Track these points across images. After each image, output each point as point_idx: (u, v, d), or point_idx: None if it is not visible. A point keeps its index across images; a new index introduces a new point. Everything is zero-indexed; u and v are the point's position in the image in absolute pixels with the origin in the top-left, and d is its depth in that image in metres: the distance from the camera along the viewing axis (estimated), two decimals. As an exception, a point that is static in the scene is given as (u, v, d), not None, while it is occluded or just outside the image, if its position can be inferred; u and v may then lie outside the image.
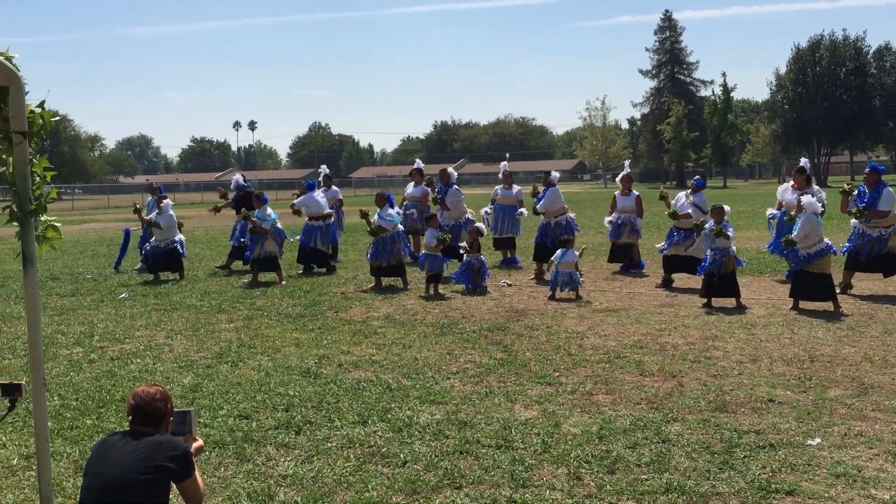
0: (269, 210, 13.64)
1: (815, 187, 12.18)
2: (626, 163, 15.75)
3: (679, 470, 4.94)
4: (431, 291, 11.89)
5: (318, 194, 15.13)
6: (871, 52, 78.72)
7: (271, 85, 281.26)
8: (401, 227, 12.96)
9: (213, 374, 7.46)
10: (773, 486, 4.66)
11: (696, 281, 11.59)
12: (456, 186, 14.81)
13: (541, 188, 14.12)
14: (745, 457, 5.13)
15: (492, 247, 15.45)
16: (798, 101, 78.48)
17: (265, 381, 7.18)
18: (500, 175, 15.44)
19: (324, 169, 17.18)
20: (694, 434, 5.58)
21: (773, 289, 11.83)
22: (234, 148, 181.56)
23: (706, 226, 10.66)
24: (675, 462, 5.06)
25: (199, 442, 4.00)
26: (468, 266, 12.15)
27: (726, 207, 10.82)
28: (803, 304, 10.11)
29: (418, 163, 16.30)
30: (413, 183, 15.75)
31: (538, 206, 13.92)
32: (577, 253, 11.65)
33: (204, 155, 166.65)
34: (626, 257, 14.10)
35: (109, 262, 17.50)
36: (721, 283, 10.40)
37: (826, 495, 4.55)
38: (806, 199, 10.17)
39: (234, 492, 4.76)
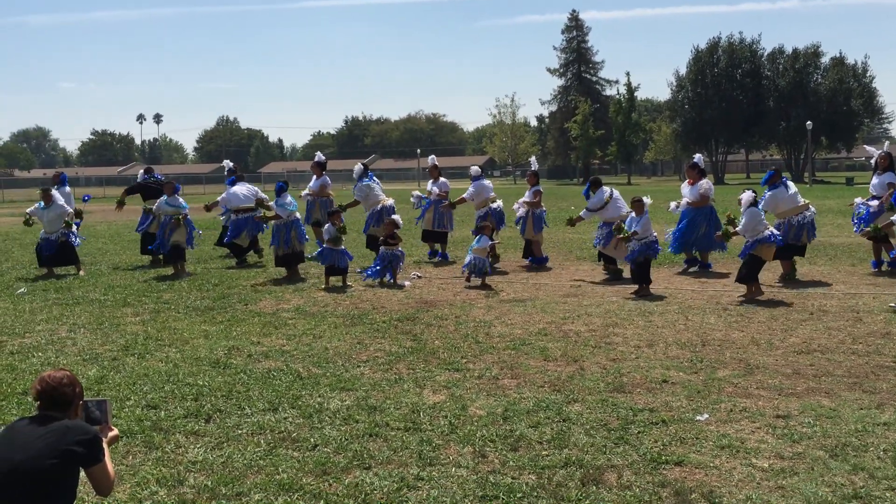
0: (180, 199, 13.60)
1: (704, 180, 12.88)
2: (532, 159, 16.17)
3: (578, 446, 5.21)
4: (330, 284, 11.97)
5: (240, 187, 15.09)
6: (766, 54, 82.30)
7: (177, 77, 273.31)
8: (298, 215, 13.20)
9: (119, 367, 7.37)
10: (663, 457, 4.98)
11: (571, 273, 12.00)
12: (366, 182, 14.75)
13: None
14: (639, 432, 5.45)
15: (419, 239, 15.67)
16: (697, 101, 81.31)
17: (173, 372, 7.14)
18: (428, 169, 15.74)
19: (227, 164, 17.00)
20: (593, 413, 5.87)
21: (670, 279, 12.38)
22: (137, 141, 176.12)
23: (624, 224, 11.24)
24: (575, 439, 5.33)
25: (115, 431, 3.97)
26: (386, 257, 12.22)
27: (646, 199, 11.27)
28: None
29: (319, 156, 16.30)
30: (315, 176, 15.82)
31: (466, 196, 14.92)
32: (490, 240, 12.10)
33: (105, 148, 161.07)
34: (531, 251, 14.39)
35: (4, 256, 16.87)
36: (639, 270, 10.89)
37: (711, 465, 4.89)
38: (745, 195, 10.61)
39: (142, 478, 4.77)
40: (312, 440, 5.36)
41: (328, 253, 12.08)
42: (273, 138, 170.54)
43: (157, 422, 5.78)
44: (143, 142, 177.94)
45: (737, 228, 10.55)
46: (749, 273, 10.37)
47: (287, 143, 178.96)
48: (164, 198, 13.72)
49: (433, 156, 16.20)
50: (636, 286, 10.99)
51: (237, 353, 7.87)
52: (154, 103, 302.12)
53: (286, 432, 5.54)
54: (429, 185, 15.54)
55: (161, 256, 13.97)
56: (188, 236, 13.73)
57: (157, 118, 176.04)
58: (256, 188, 15.43)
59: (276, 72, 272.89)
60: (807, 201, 12.33)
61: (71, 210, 14.24)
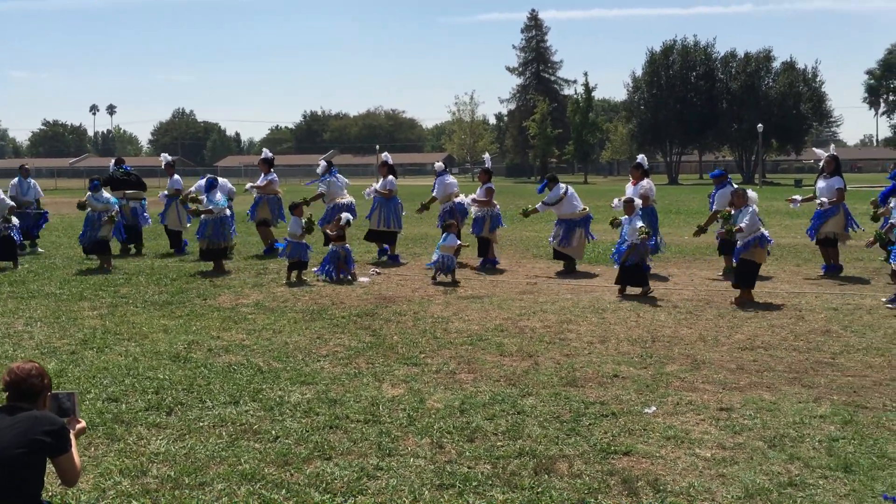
0: (105, 194, 13.81)
1: (645, 180, 13.08)
2: (486, 156, 16.06)
3: (532, 437, 5.42)
4: (293, 279, 12.07)
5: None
6: (719, 57, 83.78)
7: (132, 68, 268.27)
8: (228, 212, 13.36)
9: (78, 360, 7.40)
10: (612, 448, 5.21)
11: (534, 270, 12.22)
12: (328, 178, 14.78)
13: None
14: (590, 424, 5.68)
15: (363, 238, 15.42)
16: (653, 102, 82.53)
17: (133, 366, 7.19)
18: (377, 166, 15.58)
19: (165, 157, 16.92)
20: (546, 406, 6.09)
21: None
22: (90, 133, 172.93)
23: (622, 219, 11.20)
24: (529, 430, 5.54)
25: (83, 423, 4.06)
26: (333, 255, 12.35)
27: (637, 201, 11.22)
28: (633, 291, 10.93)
29: (266, 153, 16.11)
30: (262, 173, 15.72)
31: (435, 194, 14.79)
32: (457, 239, 12.27)
33: (57, 139, 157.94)
34: (486, 251, 14.06)
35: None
36: (630, 272, 10.84)
37: (657, 455, 5.13)
38: (752, 194, 10.65)
39: (105, 469, 4.86)
40: (274, 432, 5.49)
41: (294, 247, 12.17)
42: (230, 132, 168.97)
43: (119, 414, 5.85)
44: (96, 133, 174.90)
45: (741, 225, 10.24)
46: (745, 278, 10.29)
47: (244, 137, 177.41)
48: (89, 194, 13.75)
49: (387, 153, 16.01)
50: (619, 286, 10.94)
51: (197, 347, 7.94)
52: (108, 94, 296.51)
53: (248, 424, 5.65)
54: (380, 182, 15.05)
55: (83, 249, 13.89)
56: (116, 230, 13.92)
57: (111, 109, 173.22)
58: (226, 180, 15.56)
59: (234, 65, 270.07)
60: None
61: (11, 204, 14.14)
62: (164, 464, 4.97)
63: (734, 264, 10.76)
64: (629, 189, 13.19)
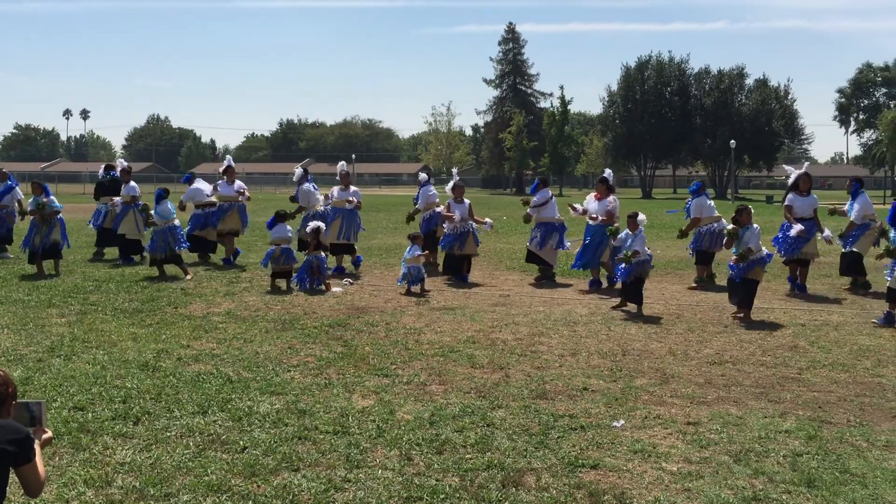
0: (52, 198, 13.81)
1: (612, 196, 12.84)
2: (455, 170, 15.94)
3: (500, 450, 5.43)
4: (277, 285, 12.20)
5: (199, 183, 15.65)
6: (693, 73, 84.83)
7: (107, 73, 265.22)
8: (176, 221, 13.53)
9: (45, 368, 7.31)
10: (580, 461, 5.24)
11: (508, 281, 12.26)
12: (305, 186, 14.70)
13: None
14: (558, 437, 5.71)
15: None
16: (627, 116, 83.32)
17: (101, 374, 7.12)
18: (338, 175, 15.10)
19: (121, 163, 16.77)
20: (516, 418, 6.11)
21: (586, 293, 12.76)
22: (63, 137, 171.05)
23: (620, 235, 11.09)
24: (497, 443, 5.56)
25: (49, 433, 4.00)
26: (307, 264, 12.35)
27: (641, 216, 10.97)
28: (628, 307, 11.01)
29: (228, 160, 16.02)
30: (226, 181, 15.55)
31: (418, 205, 15.28)
32: (420, 250, 12.42)
33: (29, 143, 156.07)
34: (465, 266, 13.74)
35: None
36: (631, 288, 10.72)
37: (624, 468, 5.17)
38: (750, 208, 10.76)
39: (70, 479, 4.80)
40: (241, 443, 5.46)
41: (282, 253, 12.28)
42: (206, 139, 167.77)
43: (85, 423, 5.78)
44: (69, 138, 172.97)
45: (751, 247, 10.17)
46: (749, 297, 10.25)
47: (220, 145, 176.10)
48: (33, 197, 13.73)
49: (343, 162, 15.98)
50: (619, 300, 10.92)
51: (166, 356, 7.88)
52: (82, 99, 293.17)
53: (215, 435, 5.62)
54: (335, 191, 14.78)
55: (29, 256, 13.63)
56: (63, 235, 13.84)
57: (85, 114, 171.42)
58: (205, 184, 15.68)
59: (211, 71, 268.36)
60: (720, 215, 13.35)
61: None
62: (129, 474, 4.92)
63: (717, 276, 10.88)
64: (592, 204, 12.92)
